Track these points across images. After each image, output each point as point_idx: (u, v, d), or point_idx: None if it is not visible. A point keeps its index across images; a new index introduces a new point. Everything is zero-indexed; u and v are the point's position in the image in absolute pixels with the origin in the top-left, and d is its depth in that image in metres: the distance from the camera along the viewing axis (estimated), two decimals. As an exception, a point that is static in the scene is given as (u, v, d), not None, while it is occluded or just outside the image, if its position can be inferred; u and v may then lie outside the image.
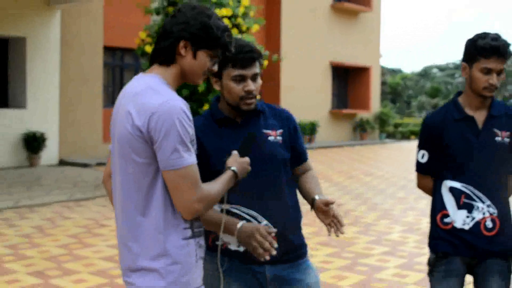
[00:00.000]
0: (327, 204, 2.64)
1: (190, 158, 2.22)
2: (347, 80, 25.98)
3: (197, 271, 2.36)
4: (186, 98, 10.00)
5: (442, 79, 43.53)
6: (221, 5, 10.25)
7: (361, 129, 25.01)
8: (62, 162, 14.98)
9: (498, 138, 3.16)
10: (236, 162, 2.48)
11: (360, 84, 25.69)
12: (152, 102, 2.21)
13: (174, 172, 2.20)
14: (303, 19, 22.32)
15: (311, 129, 21.99)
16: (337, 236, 2.67)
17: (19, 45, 14.43)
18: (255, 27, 10.70)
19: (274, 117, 2.81)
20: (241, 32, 10.48)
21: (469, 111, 3.19)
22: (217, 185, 2.35)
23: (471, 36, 3.15)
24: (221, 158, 2.53)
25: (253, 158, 2.59)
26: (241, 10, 10.38)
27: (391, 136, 27.95)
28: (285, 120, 2.82)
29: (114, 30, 16.42)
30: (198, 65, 2.35)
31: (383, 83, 36.35)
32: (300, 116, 21.93)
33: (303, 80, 22.43)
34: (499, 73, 3.09)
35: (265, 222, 2.64)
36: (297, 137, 2.84)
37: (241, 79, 2.64)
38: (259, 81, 2.70)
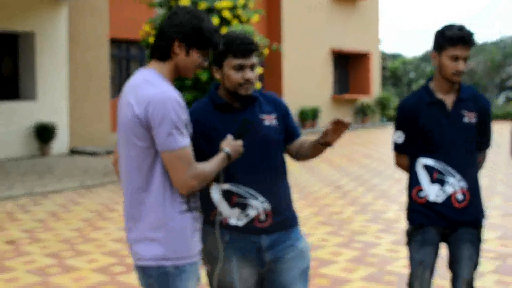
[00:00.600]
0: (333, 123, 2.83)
1: (184, 140, 2.48)
2: (347, 66, 26.01)
3: (193, 241, 2.62)
4: (190, 87, 10.19)
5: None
6: (221, -3, 10.38)
7: (362, 114, 25.05)
8: (72, 152, 15.19)
9: (466, 119, 3.42)
10: (230, 144, 2.70)
11: (360, 69, 25.71)
12: (148, 93, 2.48)
13: (170, 153, 2.47)
14: (303, 8, 22.37)
15: (313, 114, 22.09)
16: (347, 122, 2.78)
17: (28, 40, 14.60)
18: (255, 18, 10.80)
19: (268, 103, 3.06)
20: (241, 22, 10.56)
21: (439, 95, 3.45)
22: (210, 164, 2.60)
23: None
24: (219, 140, 2.80)
25: (251, 140, 2.83)
26: (241, 2, 10.48)
27: (392, 119, 27.96)
28: (277, 105, 3.08)
29: (120, 23, 16.55)
30: (190, 62, 2.62)
31: (384, 68, 36.32)
32: (303, 102, 22.11)
33: (305, 67, 22.49)
34: (465, 59, 3.36)
35: (262, 198, 2.90)
36: (289, 119, 3.11)
37: (240, 68, 2.83)
38: (256, 70, 2.96)
